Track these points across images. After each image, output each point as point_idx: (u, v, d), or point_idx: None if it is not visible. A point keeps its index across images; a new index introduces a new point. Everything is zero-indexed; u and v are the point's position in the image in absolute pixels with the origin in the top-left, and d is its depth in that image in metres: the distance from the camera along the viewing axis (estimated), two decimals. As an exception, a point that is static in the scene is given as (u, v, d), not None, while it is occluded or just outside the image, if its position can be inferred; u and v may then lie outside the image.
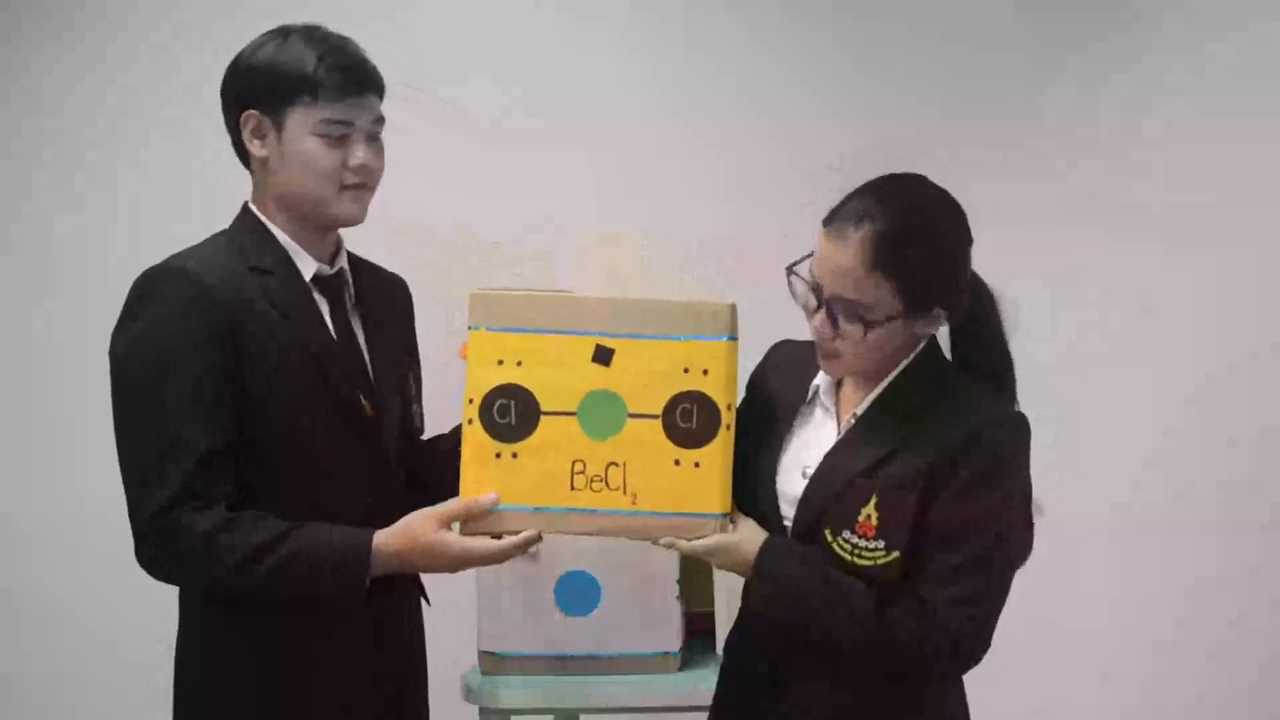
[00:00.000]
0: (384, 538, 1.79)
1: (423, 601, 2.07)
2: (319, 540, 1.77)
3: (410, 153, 3.02)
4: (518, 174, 3.26)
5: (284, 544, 1.75)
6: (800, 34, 3.31)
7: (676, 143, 3.28)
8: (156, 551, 1.77)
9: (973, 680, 1.85)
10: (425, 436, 2.13)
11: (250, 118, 1.88)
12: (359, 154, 1.87)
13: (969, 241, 1.76)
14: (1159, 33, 3.26)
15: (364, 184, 1.89)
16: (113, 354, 1.82)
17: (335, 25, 1.95)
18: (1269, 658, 3.28)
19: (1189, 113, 3.25)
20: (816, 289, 1.72)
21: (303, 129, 1.85)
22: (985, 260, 1.91)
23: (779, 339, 1.97)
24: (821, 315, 1.72)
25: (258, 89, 1.87)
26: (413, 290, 2.15)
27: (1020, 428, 1.74)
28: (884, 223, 1.67)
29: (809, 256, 1.75)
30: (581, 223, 3.27)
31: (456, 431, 2.00)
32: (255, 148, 1.89)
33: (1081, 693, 3.30)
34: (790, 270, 1.76)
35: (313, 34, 1.89)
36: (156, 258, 1.85)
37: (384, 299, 2.05)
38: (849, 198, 1.72)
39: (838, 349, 1.74)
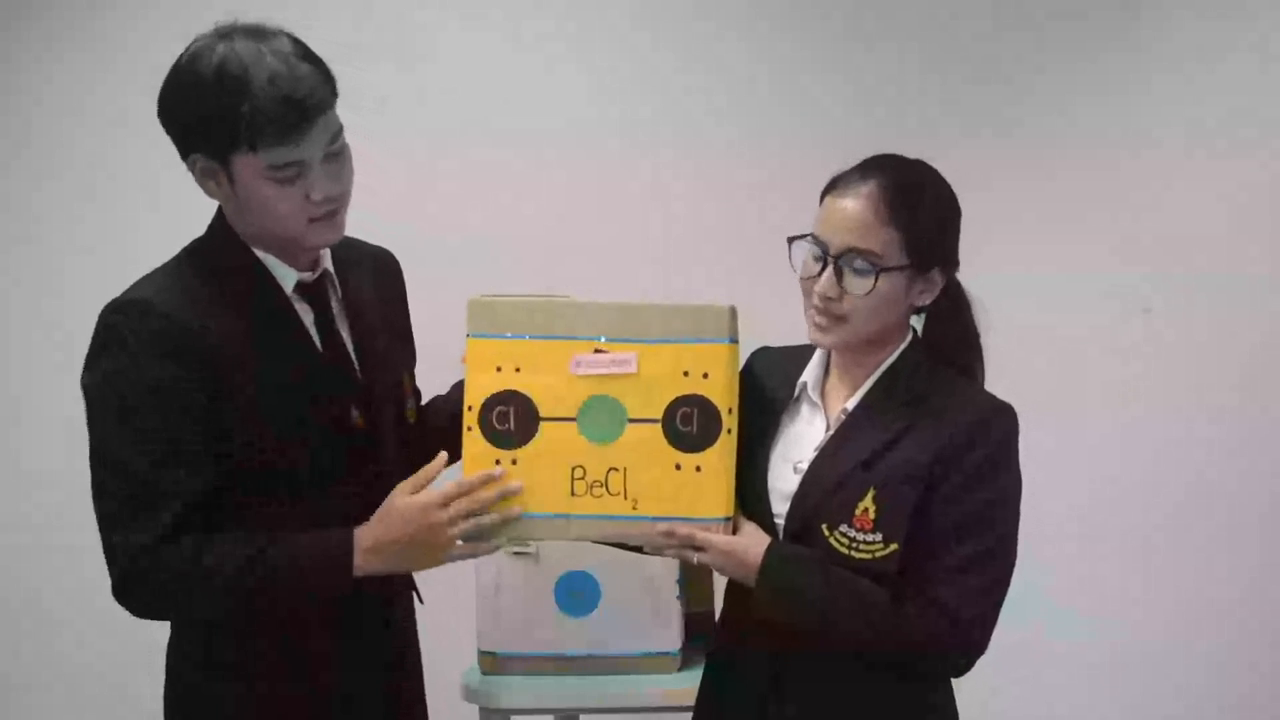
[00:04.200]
0: (364, 526, 1.73)
1: (415, 599, 2.01)
2: (300, 545, 1.73)
3: (406, 160, 3.08)
4: (510, 182, 3.28)
5: (265, 556, 1.70)
6: (789, 47, 3.32)
7: (671, 152, 3.31)
8: (140, 590, 1.71)
9: (973, 681, 1.84)
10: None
11: (196, 161, 1.73)
12: (319, 187, 1.71)
13: (960, 211, 1.80)
14: (1163, 36, 3.26)
15: (334, 210, 1.76)
16: (86, 390, 1.73)
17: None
18: (1270, 659, 3.27)
19: (1189, 113, 3.25)
20: (822, 246, 1.73)
21: (252, 175, 1.69)
22: (983, 261, 1.91)
23: (772, 341, 1.96)
24: (828, 274, 1.72)
25: (193, 136, 1.71)
26: (408, 297, 2.05)
27: (1015, 418, 1.77)
28: (892, 176, 1.74)
29: (806, 235, 1.77)
30: (574, 229, 3.28)
31: (446, 400, 1.98)
32: (210, 189, 1.75)
33: (1080, 694, 3.30)
34: (792, 240, 1.78)
35: (234, 63, 1.66)
36: (156, 261, 1.80)
37: (369, 285, 1.93)
38: (852, 168, 1.77)
39: (842, 310, 1.73)
